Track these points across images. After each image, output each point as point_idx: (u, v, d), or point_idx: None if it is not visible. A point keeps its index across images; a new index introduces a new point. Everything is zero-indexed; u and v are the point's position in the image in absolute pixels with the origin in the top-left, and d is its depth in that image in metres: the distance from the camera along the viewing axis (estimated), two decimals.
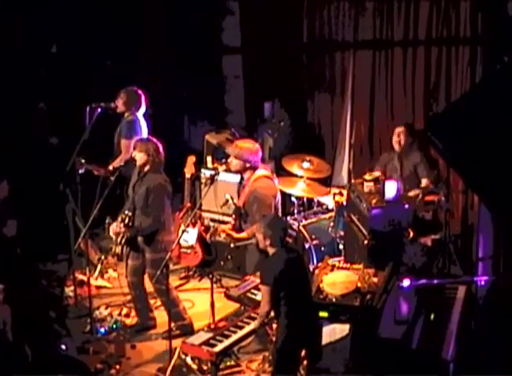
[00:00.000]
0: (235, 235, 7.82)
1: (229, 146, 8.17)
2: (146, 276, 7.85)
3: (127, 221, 7.57)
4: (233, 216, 7.99)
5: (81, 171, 8.33)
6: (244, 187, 7.89)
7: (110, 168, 8.57)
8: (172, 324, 7.50)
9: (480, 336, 6.99)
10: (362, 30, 9.69)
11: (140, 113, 8.85)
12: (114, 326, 7.96)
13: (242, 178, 8.07)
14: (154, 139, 7.77)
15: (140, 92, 8.86)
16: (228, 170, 8.73)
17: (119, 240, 7.66)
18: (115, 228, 7.65)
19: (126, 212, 7.65)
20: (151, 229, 7.62)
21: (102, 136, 8.73)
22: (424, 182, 8.55)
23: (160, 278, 7.32)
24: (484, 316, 7.20)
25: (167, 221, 7.72)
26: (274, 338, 6.63)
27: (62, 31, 9.66)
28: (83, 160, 8.29)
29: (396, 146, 8.67)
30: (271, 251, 6.49)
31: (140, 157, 7.64)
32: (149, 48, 10.47)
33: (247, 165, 7.77)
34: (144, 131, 8.78)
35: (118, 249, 7.70)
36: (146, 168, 7.67)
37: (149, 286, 7.89)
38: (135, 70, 9.87)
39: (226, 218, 8.75)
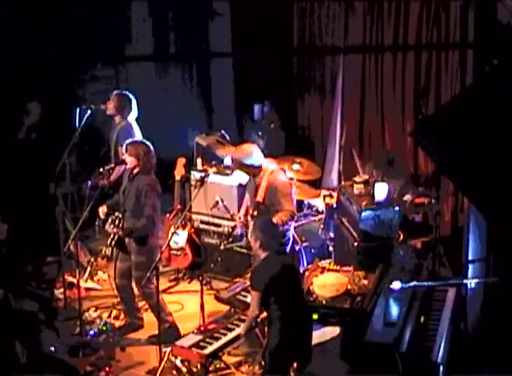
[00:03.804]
0: None
1: (235, 155, 7.85)
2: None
3: (117, 222, 7.54)
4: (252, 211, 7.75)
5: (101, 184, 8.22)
6: (259, 185, 7.70)
7: (112, 178, 8.50)
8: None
9: (470, 338, 7.00)
10: (352, 34, 9.71)
11: (132, 117, 8.80)
12: (104, 328, 7.94)
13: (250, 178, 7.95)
14: (146, 142, 7.73)
15: (131, 96, 8.83)
16: (218, 172, 8.73)
17: (109, 241, 7.64)
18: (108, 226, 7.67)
19: (116, 214, 7.63)
20: (145, 230, 7.55)
21: (92, 138, 8.72)
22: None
23: (145, 281, 7.32)
24: (475, 319, 7.20)
25: (156, 224, 7.66)
26: (265, 341, 6.61)
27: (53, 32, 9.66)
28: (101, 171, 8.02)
29: None
30: (262, 254, 6.46)
31: (131, 161, 7.62)
32: (137, 50, 10.47)
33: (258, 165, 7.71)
34: (138, 135, 8.74)
35: (108, 251, 7.67)
36: (135, 171, 7.66)
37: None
38: (122, 72, 9.87)
39: (216, 220, 8.78)
